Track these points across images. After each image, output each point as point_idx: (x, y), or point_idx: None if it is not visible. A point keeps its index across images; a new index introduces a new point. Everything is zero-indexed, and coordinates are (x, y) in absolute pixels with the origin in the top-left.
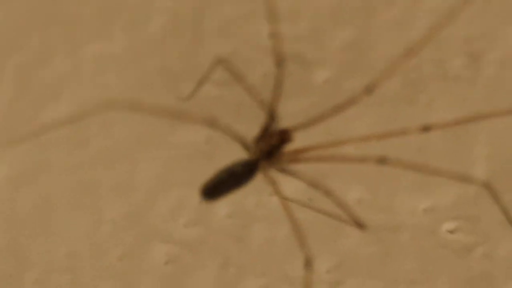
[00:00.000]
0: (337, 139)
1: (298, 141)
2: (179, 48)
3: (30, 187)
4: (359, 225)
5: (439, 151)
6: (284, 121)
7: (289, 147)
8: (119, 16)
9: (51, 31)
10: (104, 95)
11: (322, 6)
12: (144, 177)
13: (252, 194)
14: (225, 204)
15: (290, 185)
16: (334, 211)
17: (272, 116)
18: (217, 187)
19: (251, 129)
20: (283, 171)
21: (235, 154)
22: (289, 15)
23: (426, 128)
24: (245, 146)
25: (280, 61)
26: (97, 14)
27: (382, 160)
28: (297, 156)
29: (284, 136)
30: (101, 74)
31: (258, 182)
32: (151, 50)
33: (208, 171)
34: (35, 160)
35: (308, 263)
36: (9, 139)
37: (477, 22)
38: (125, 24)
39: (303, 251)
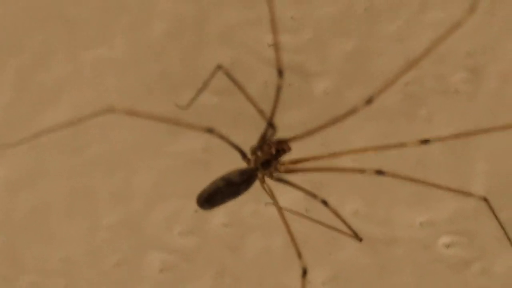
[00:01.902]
0: (335, 151)
1: (295, 151)
2: (180, 54)
3: (27, 191)
4: (356, 237)
5: (438, 165)
6: (283, 131)
7: (287, 157)
8: (119, 20)
9: (51, 34)
10: (103, 100)
11: (324, 17)
12: (141, 185)
13: (248, 203)
14: (221, 213)
15: (287, 195)
16: (330, 222)
17: (270, 125)
18: (214, 196)
19: (249, 138)
20: (280, 181)
21: (233, 163)
22: (291, 24)
23: (425, 141)
24: (243, 155)
25: (280, 71)
26: (97, 18)
27: (379, 172)
28: (295, 166)
29: (282, 146)
30: (100, 78)
31: (255, 191)
32: (151, 56)
33: (205, 179)
34: (33, 164)
35: (304, 274)
36: (7, 142)
37: (478, 36)
38: (125, 28)
39: (299, 262)
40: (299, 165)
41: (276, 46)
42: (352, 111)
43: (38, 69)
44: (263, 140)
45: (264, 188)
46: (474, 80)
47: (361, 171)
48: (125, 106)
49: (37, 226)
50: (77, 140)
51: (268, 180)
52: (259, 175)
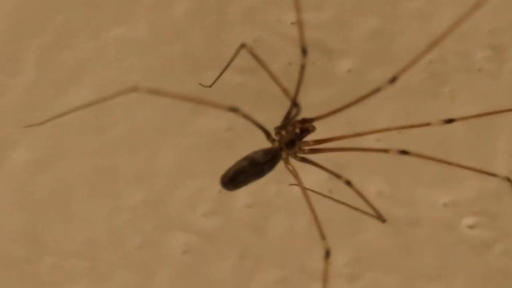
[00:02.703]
0: (358, 130)
1: (320, 131)
2: (203, 34)
3: (49, 171)
4: (380, 218)
5: (461, 145)
6: (307, 111)
7: (311, 137)
8: (142, 0)
9: (74, 13)
10: (126, 80)
11: None
12: (164, 165)
13: (272, 184)
14: (245, 194)
15: (310, 176)
16: (354, 203)
17: (295, 105)
18: (238, 176)
19: (273, 117)
20: (304, 161)
21: (257, 143)
22: (314, 3)
23: (449, 120)
24: (267, 134)
25: (304, 49)
26: None
27: (403, 152)
28: (319, 146)
29: (307, 126)
30: (123, 58)
31: (278, 171)
32: (174, 35)
33: (229, 159)
34: (55, 144)
35: (327, 256)
36: (29, 122)
37: (501, 15)
38: (148, 8)
39: (323, 243)
40: (323, 145)
41: (299, 24)
42: (375, 90)
43: (61, 49)
44: (288, 120)
45: (288, 168)
46: (498, 58)
47: (385, 151)
48: (148, 85)
49: (59, 207)
50: (100, 120)
51: (292, 160)
52: (283, 155)
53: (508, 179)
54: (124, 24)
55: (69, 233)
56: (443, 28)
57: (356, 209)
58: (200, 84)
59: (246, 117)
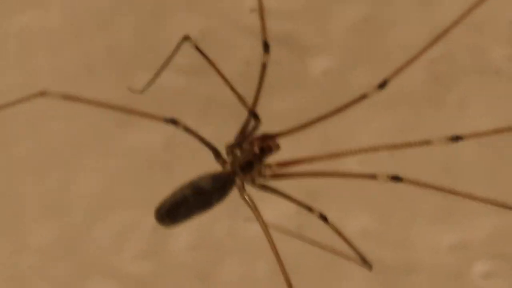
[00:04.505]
0: (337, 149)
1: (286, 150)
2: (134, 23)
3: None
4: (364, 263)
5: (472, 170)
6: (269, 124)
7: (275, 157)
8: None
9: None
10: (33, 82)
11: None
12: (82, 193)
13: (223, 219)
14: (187, 232)
15: (274, 208)
16: (330, 244)
17: (253, 116)
18: (178, 208)
19: (225, 132)
20: (266, 189)
21: (202, 165)
22: None
23: (455, 138)
24: (216, 154)
25: (266, 44)
26: None
27: (395, 178)
28: (285, 170)
29: (268, 144)
30: (29, 54)
31: (231, 203)
32: (97, 25)
33: (167, 186)
34: None
35: None
36: None
37: None
38: None
39: None
40: (290, 169)
41: (260, 11)
42: (360, 98)
43: None
44: (244, 136)
45: (244, 199)
46: None
47: (372, 176)
48: (61, 89)
49: None
50: None
51: (249, 189)
52: (238, 181)
53: None
54: (32, 9)
55: None
56: (450, 17)
57: (334, 252)
58: (129, 88)
59: (189, 131)
